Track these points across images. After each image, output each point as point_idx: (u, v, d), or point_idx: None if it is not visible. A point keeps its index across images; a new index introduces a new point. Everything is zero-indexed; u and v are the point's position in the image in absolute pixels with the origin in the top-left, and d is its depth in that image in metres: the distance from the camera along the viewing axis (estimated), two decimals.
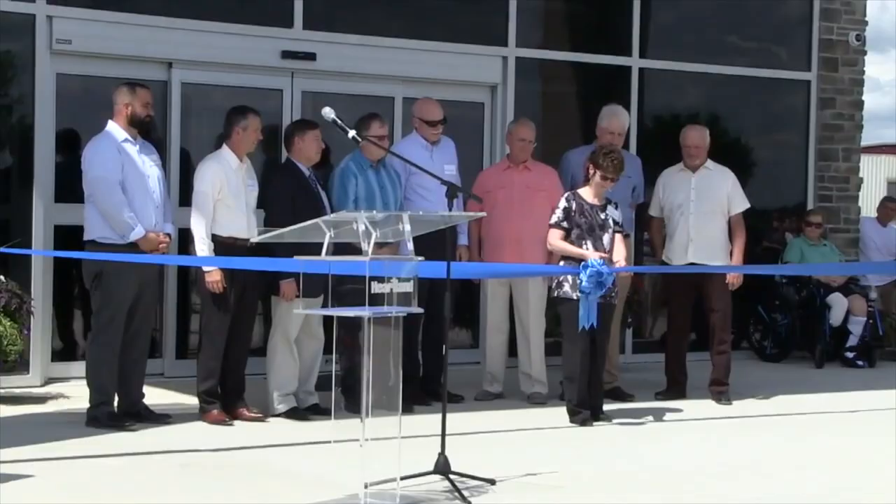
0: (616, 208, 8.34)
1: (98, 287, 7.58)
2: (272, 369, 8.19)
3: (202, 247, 7.78)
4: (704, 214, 9.32)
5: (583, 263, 7.96)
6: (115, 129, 7.70)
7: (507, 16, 10.70)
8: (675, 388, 9.54)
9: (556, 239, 8.26)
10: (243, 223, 7.90)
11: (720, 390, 9.42)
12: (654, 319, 11.58)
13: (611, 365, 9.07)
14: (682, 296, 9.52)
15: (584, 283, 7.91)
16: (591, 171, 8.24)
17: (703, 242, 9.32)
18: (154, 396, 8.27)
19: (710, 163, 9.47)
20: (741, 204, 9.45)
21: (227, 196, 7.86)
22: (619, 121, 9.39)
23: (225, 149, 8.01)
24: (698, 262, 9.31)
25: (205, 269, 7.77)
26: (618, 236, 8.30)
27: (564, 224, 8.25)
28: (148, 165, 7.74)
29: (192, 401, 8.13)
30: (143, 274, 7.68)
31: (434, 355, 8.74)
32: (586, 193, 8.28)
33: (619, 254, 8.28)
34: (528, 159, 9.13)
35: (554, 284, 8.28)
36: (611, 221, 8.24)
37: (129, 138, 7.70)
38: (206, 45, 9.54)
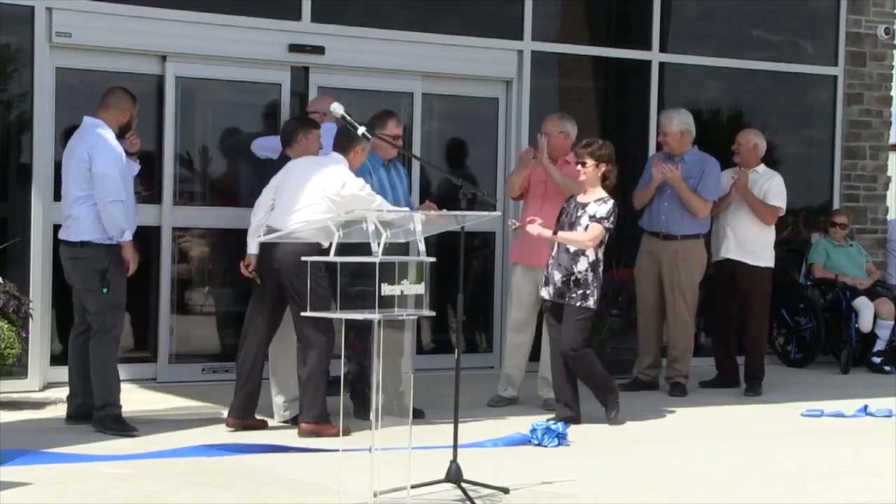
0: (605, 203, 8.12)
1: (106, 285, 7.52)
2: (275, 374, 8.02)
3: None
4: (744, 214, 9.72)
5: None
6: (107, 128, 7.57)
7: (523, 8, 10.50)
8: (725, 377, 9.77)
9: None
10: None
11: (753, 383, 9.64)
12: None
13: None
14: (724, 283, 9.87)
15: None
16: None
17: (740, 240, 9.75)
18: (149, 402, 8.22)
19: (761, 167, 9.91)
20: (774, 199, 9.77)
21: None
22: (664, 120, 9.77)
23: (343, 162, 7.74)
24: (734, 259, 9.76)
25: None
26: (592, 224, 8.10)
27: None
28: (130, 164, 7.72)
29: (187, 404, 8.05)
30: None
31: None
32: (583, 193, 8.28)
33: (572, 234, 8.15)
34: (568, 153, 8.88)
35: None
36: (586, 218, 8.11)
37: (117, 137, 7.63)
38: (212, 38, 9.34)
